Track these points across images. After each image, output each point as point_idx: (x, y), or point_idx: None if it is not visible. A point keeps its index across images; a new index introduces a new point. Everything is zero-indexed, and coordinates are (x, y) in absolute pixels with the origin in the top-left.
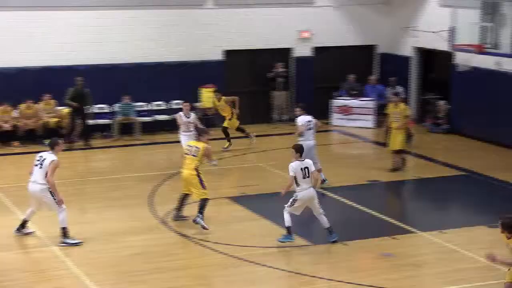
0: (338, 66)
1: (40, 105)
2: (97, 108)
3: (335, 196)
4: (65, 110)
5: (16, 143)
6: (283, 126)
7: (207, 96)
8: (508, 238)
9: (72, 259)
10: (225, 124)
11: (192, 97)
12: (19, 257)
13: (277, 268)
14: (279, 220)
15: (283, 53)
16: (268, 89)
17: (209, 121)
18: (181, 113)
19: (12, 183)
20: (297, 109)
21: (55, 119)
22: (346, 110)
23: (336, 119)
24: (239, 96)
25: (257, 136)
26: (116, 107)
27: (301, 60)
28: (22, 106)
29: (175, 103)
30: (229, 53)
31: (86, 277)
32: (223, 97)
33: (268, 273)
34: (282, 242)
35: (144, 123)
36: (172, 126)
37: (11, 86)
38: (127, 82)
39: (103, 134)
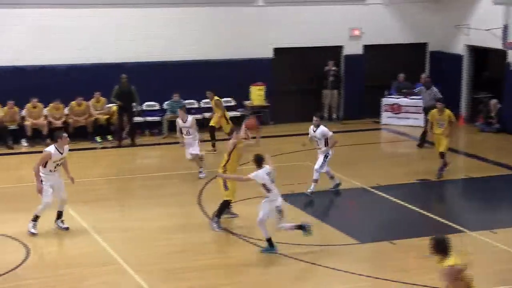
0: (389, 64)
1: (91, 102)
2: (146, 105)
3: (384, 195)
4: (114, 107)
5: None
6: (333, 125)
7: (256, 94)
8: (439, 261)
9: (120, 255)
10: (226, 131)
11: (241, 95)
12: (67, 252)
13: (324, 266)
14: (326, 218)
15: (333, 51)
16: (318, 87)
17: (259, 118)
18: (178, 119)
19: (65, 179)
20: (316, 119)
21: (105, 116)
22: (396, 109)
23: (386, 118)
24: (289, 93)
25: (306, 134)
26: (166, 104)
27: (351, 58)
28: (73, 103)
29: (225, 101)
30: (279, 50)
31: (134, 273)
32: (215, 98)
33: (314, 271)
34: (265, 252)
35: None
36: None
37: (62, 83)
38: (176, 80)
39: (151, 131)
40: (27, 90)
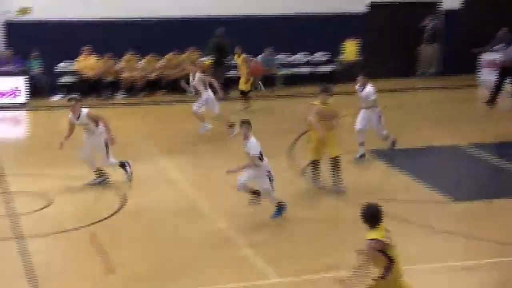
0: (490, 18)
1: (184, 56)
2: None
3: (480, 153)
4: (208, 61)
5: (161, 93)
6: (428, 80)
7: (350, 49)
8: (368, 231)
9: (211, 206)
10: (241, 87)
11: (335, 50)
12: (161, 201)
13: (417, 224)
14: (419, 175)
15: (430, 6)
16: (414, 42)
17: (352, 74)
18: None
19: (159, 131)
20: (361, 77)
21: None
22: (495, 65)
23: (485, 74)
24: (384, 48)
25: (401, 89)
26: (258, 59)
27: (450, 12)
28: (167, 56)
29: (318, 56)
30: (374, 5)
31: (223, 224)
32: (243, 55)
33: (404, 228)
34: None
35: (285, 75)
36: (313, 79)
37: (157, 37)
38: (269, 34)
39: None
40: (124, 43)
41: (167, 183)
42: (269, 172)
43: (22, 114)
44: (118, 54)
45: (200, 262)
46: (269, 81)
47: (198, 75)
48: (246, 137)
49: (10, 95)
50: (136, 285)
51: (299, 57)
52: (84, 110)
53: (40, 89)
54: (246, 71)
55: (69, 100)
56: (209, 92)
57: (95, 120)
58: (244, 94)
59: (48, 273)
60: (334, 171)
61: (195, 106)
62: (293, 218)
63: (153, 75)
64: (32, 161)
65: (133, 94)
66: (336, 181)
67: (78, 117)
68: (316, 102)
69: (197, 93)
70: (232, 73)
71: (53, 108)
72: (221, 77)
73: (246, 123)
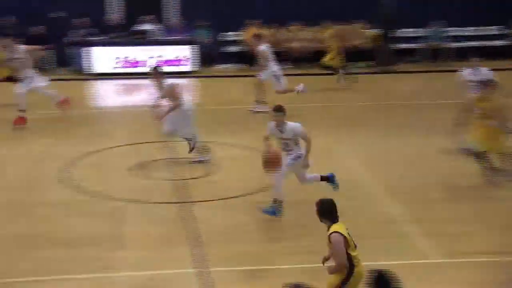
0: None
1: (349, 28)
2: (405, 32)
3: None
4: (372, 33)
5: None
6: None
7: None
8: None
9: (367, 180)
10: (325, 61)
11: (509, 24)
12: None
13: None
14: None
15: None
16: None
17: None
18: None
19: (329, 104)
20: (475, 59)
21: (362, 42)
22: None
23: None
24: None
25: None
26: (426, 31)
27: None
28: (335, 28)
29: (490, 29)
30: None
31: (383, 198)
32: (332, 29)
33: None
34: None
35: (455, 49)
36: (484, 53)
37: (324, 10)
38: (434, 6)
39: (410, 59)
40: (289, 14)
41: (334, 156)
42: (294, 159)
43: (190, 82)
44: (284, 25)
45: (360, 237)
46: (437, 54)
47: (260, 48)
48: (280, 124)
49: (178, 63)
50: (296, 255)
51: (469, 30)
52: (167, 82)
53: (207, 58)
54: (336, 45)
55: (151, 69)
56: (275, 66)
57: (172, 95)
58: (333, 70)
59: (210, 238)
60: (503, 163)
61: (262, 75)
62: (461, 198)
63: (319, 46)
64: (199, 128)
65: (299, 64)
66: (503, 171)
67: (161, 87)
68: (476, 97)
69: (264, 68)
70: (403, 45)
71: (219, 77)
72: (387, 49)
73: (278, 110)
